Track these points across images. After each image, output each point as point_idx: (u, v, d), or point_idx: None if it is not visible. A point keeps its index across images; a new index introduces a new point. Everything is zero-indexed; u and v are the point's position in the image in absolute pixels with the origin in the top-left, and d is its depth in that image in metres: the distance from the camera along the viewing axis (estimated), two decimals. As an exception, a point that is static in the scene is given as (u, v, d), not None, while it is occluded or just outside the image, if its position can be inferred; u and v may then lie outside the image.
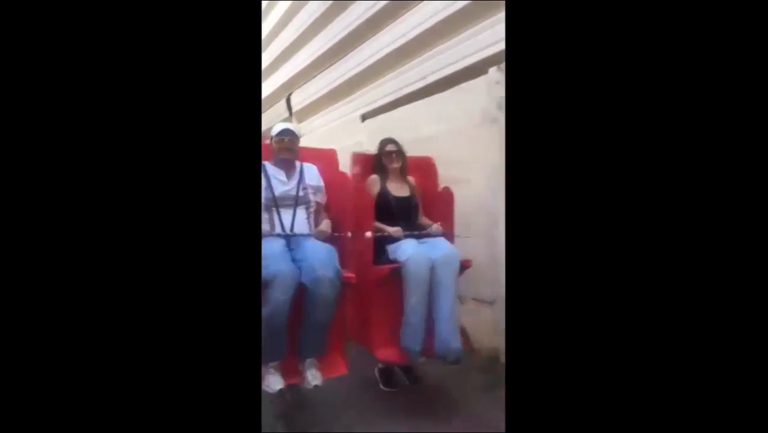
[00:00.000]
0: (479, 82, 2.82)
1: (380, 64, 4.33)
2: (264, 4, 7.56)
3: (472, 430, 2.19)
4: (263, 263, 2.14)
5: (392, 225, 2.60)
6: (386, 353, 2.45)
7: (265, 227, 2.38)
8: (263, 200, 2.42)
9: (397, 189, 2.76)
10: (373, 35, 4.42)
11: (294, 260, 2.21)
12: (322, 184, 2.61)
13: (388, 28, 4.14)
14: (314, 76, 5.88)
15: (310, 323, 2.17)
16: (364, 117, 4.60)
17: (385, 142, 2.83)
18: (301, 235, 2.41)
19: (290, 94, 6.79)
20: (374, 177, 2.76)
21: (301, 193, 2.50)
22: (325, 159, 2.72)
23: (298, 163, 2.59)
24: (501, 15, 2.66)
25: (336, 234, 2.47)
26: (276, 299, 2.05)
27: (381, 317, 2.50)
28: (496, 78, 2.62)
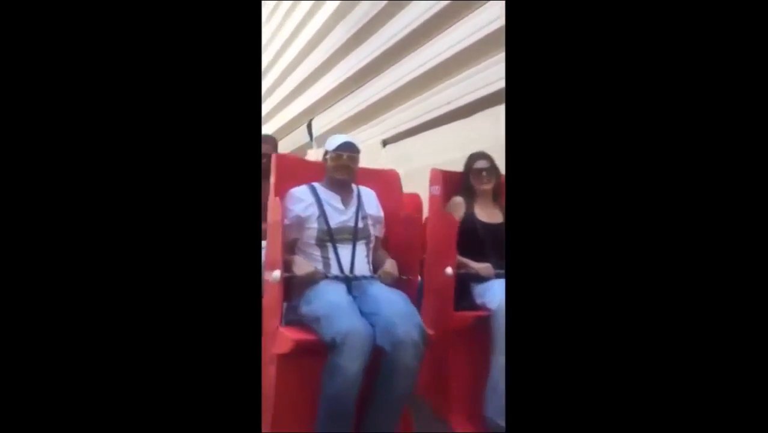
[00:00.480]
0: (502, 108, 2.77)
1: (403, 90, 4.28)
2: (287, 33, 7.55)
3: None
4: (324, 313, 1.60)
5: (480, 261, 2.07)
6: (465, 425, 1.93)
7: (317, 266, 1.84)
8: (315, 232, 1.89)
9: (487, 216, 2.20)
10: (397, 62, 4.31)
11: (362, 313, 1.67)
12: (382, 214, 2.08)
13: (411, 55, 4.11)
14: (336, 102, 5.69)
15: (385, 399, 1.61)
16: (385, 142, 4.34)
17: (474, 158, 2.26)
18: (363, 277, 1.87)
19: (311, 120, 6.65)
20: (458, 199, 2.21)
21: (360, 225, 1.97)
22: (384, 182, 2.20)
23: (354, 187, 2.07)
24: None
25: (404, 277, 1.93)
26: (346, 369, 1.51)
27: (460, 377, 1.96)
28: None
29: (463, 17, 3.48)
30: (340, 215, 1.95)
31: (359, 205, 2.02)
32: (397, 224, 2.08)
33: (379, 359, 1.58)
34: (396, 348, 1.56)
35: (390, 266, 1.92)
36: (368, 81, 5.05)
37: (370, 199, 2.08)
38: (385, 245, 2.11)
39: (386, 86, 4.60)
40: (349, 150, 1.98)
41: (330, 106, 6.08)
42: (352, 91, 5.45)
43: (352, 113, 5.28)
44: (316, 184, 2.02)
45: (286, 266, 1.78)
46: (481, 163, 2.23)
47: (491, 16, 3.09)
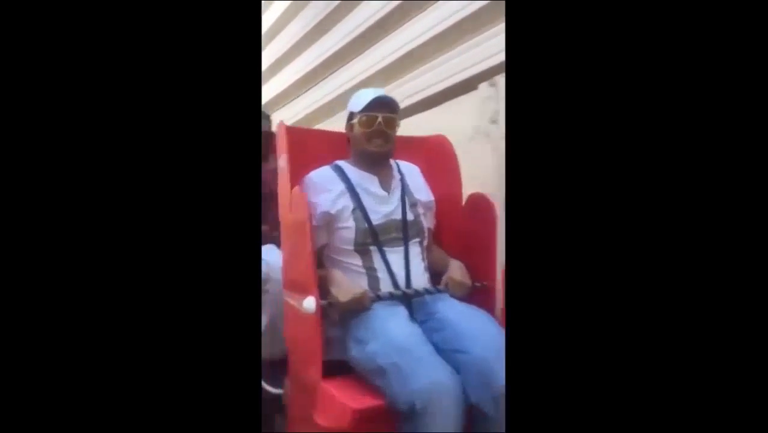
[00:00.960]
0: (470, 98, 2.72)
1: (368, 81, 4.06)
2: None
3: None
4: (391, 362, 1.08)
5: None
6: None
7: (361, 282, 1.29)
8: (353, 234, 1.33)
9: None
10: (361, 53, 4.25)
11: (439, 351, 1.14)
12: (432, 197, 1.53)
13: (376, 45, 4.00)
14: (297, 96, 5.55)
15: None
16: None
17: None
18: (426, 292, 1.34)
19: (269, 115, 6.23)
20: None
21: (410, 217, 1.41)
22: (431, 154, 1.64)
23: (392, 162, 1.51)
24: (489, 32, 2.81)
25: (477, 284, 1.40)
26: None
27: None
28: (487, 93, 2.62)
29: (424, 10, 3.40)
30: (382, 205, 1.38)
31: (404, 188, 1.46)
32: (456, 211, 1.54)
33: (468, 422, 1.07)
34: (500, 405, 1.05)
35: (459, 271, 1.37)
36: (329, 74, 4.85)
37: (415, 177, 1.52)
38: (440, 239, 1.57)
39: (353, 76, 4.44)
40: (386, 109, 1.40)
41: (290, 101, 5.99)
42: (314, 84, 5.19)
43: (318, 104, 5.24)
44: (341, 164, 1.44)
45: (321, 288, 1.23)
46: None
47: (456, 7, 3.01)
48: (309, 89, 5.51)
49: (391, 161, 1.49)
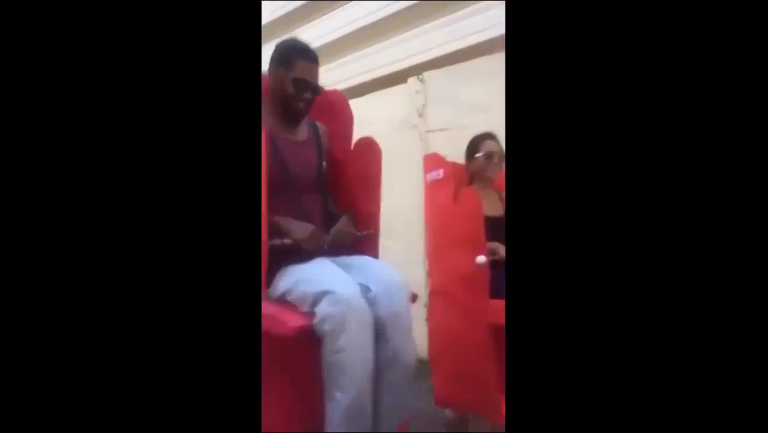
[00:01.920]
0: (399, 90, 2.96)
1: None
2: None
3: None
4: None
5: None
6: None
7: None
8: None
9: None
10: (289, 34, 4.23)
11: None
12: None
13: (303, 27, 4.02)
14: None
15: None
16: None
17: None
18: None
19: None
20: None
21: None
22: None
23: None
24: (424, 27, 2.96)
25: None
26: None
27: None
28: (416, 87, 2.87)
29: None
30: None
31: None
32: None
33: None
34: None
35: None
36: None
37: None
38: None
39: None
40: None
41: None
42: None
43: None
44: None
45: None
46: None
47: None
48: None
49: None
